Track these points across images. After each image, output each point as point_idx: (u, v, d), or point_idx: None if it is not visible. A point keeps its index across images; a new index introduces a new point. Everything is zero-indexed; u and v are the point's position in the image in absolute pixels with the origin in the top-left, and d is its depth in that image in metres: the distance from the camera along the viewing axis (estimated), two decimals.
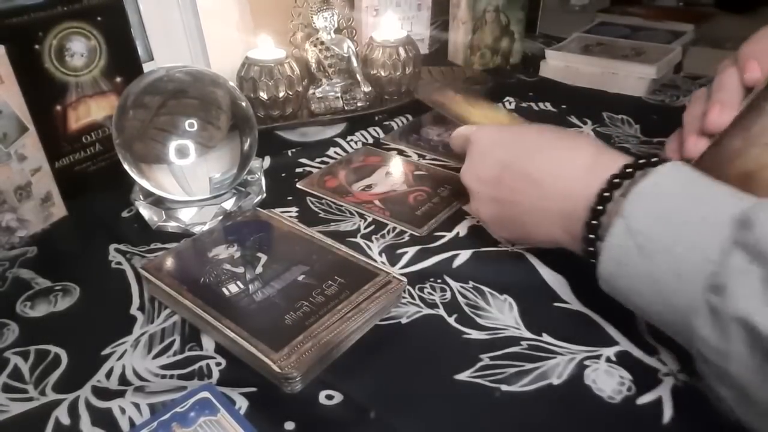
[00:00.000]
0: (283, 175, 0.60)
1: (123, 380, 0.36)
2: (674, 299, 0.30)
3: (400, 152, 0.63)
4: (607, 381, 0.35)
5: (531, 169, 0.39)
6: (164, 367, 0.37)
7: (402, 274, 0.42)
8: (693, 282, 0.28)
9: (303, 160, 0.62)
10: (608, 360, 0.36)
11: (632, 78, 0.75)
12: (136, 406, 0.34)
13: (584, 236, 0.35)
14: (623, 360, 0.36)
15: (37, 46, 0.50)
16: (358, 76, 0.70)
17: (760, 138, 0.34)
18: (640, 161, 0.33)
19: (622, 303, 0.34)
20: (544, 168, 0.38)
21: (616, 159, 0.35)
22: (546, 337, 0.38)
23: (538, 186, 0.38)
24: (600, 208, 0.34)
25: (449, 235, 0.49)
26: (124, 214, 0.54)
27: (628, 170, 0.33)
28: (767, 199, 0.28)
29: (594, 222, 0.34)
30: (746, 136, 0.35)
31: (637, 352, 0.36)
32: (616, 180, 0.33)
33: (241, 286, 0.41)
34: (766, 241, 0.26)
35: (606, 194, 0.34)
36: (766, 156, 0.34)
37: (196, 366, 0.37)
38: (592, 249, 0.34)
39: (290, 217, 0.51)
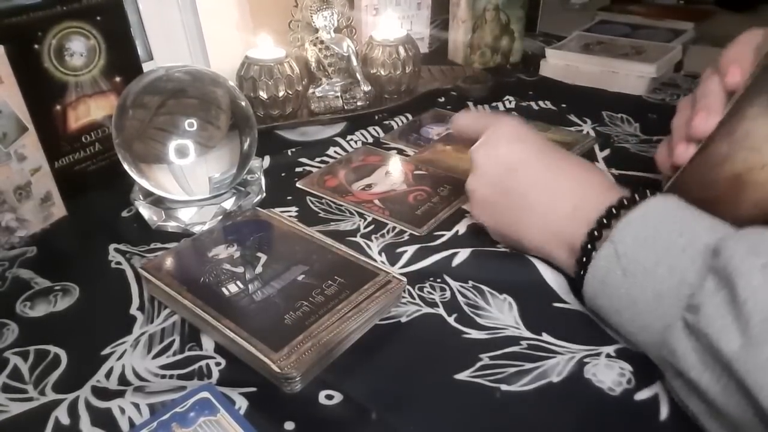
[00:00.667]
0: (282, 174, 0.59)
1: (123, 380, 0.36)
2: (651, 318, 0.32)
3: (400, 152, 0.63)
4: (607, 373, 0.35)
5: (530, 200, 0.41)
6: (164, 367, 0.37)
7: (402, 274, 0.42)
8: (671, 302, 0.31)
9: (303, 160, 0.62)
10: (608, 356, 0.36)
11: (632, 77, 0.75)
12: (136, 406, 0.34)
13: (578, 259, 0.37)
14: (623, 354, 0.36)
15: (36, 46, 0.50)
16: (357, 75, 0.70)
17: (744, 141, 0.35)
18: (636, 196, 0.36)
19: (603, 318, 0.37)
20: (542, 201, 0.41)
21: (610, 195, 0.37)
22: (546, 337, 0.38)
23: (535, 214, 0.41)
24: (596, 233, 0.36)
25: (449, 235, 0.49)
26: (124, 213, 0.54)
27: (622, 205, 0.36)
28: (741, 231, 0.30)
29: (588, 246, 0.36)
30: (731, 140, 0.35)
31: (636, 348, 0.36)
32: (609, 216, 0.36)
33: (241, 285, 0.41)
34: (729, 267, 0.28)
35: (601, 225, 0.36)
36: (753, 159, 0.35)
37: (195, 366, 0.37)
38: (580, 270, 0.37)
39: (290, 216, 0.51)
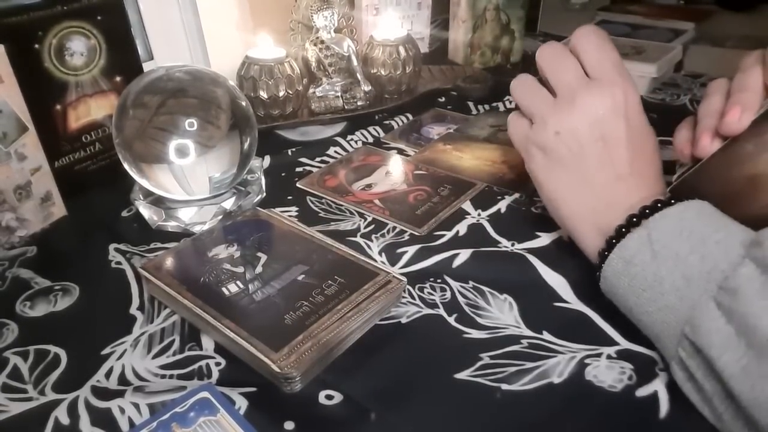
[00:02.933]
0: (283, 174, 0.59)
1: (122, 380, 0.36)
2: (675, 298, 0.32)
3: (400, 151, 0.63)
4: (608, 373, 0.35)
5: (591, 172, 0.39)
6: (164, 366, 0.37)
7: (402, 274, 0.42)
8: (700, 284, 0.31)
9: (303, 160, 0.62)
10: (609, 357, 0.36)
11: (632, 76, 0.75)
12: (136, 406, 0.34)
13: (608, 238, 0.37)
14: (623, 355, 0.36)
15: (36, 46, 0.50)
16: (358, 75, 0.70)
17: None
18: (671, 199, 0.36)
19: (615, 300, 0.37)
20: (601, 179, 0.39)
21: (656, 190, 0.38)
22: (546, 336, 0.38)
23: (588, 186, 0.40)
24: (634, 219, 0.36)
25: (449, 235, 0.49)
26: (124, 213, 0.54)
27: (668, 202, 0.35)
28: None
29: (623, 229, 0.36)
30: (759, 141, 0.35)
31: (637, 348, 0.37)
32: (654, 208, 0.35)
33: (241, 285, 0.41)
34: None
35: (642, 214, 0.36)
36: None
37: (195, 366, 0.37)
38: (606, 250, 0.37)
39: (290, 216, 0.51)
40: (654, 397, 0.33)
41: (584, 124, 0.39)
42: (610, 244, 0.36)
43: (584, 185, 0.39)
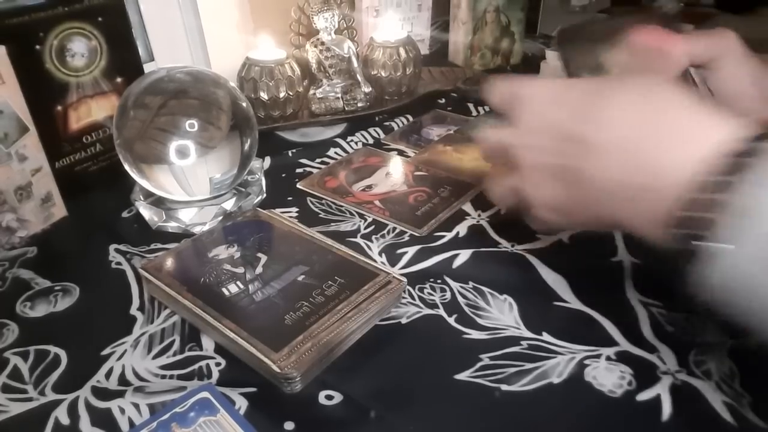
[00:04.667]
0: (283, 175, 0.60)
1: (123, 380, 0.36)
2: None
3: (401, 152, 0.63)
4: (608, 376, 0.35)
5: (608, 135, 0.32)
6: (164, 367, 0.37)
7: (402, 275, 0.42)
8: None
9: (303, 161, 0.62)
10: (608, 359, 0.36)
11: None
12: (136, 406, 0.34)
13: (683, 217, 0.28)
14: (623, 357, 0.36)
15: (38, 47, 0.50)
16: (358, 76, 0.70)
17: None
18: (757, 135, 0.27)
19: (729, 295, 0.27)
20: (625, 134, 0.31)
21: (720, 124, 0.29)
22: (546, 337, 0.38)
23: (616, 157, 0.31)
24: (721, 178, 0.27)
25: (449, 236, 0.49)
26: (124, 214, 0.54)
27: (745, 141, 0.27)
28: None
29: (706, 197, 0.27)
30: None
31: (637, 351, 0.36)
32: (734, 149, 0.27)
33: (241, 286, 0.41)
34: None
35: (716, 167, 0.27)
36: None
37: (195, 366, 0.37)
38: (693, 232, 0.27)
39: (290, 217, 0.51)
40: (656, 400, 0.33)
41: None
42: (697, 223, 0.27)
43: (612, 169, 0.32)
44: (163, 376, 0.36)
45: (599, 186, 0.32)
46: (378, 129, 0.69)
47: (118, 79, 0.56)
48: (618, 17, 0.44)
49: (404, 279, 0.41)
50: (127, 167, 0.49)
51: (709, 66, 0.40)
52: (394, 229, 0.50)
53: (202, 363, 0.37)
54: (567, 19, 1.03)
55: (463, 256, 0.46)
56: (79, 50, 0.52)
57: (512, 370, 0.36)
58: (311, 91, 0.70)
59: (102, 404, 0.34)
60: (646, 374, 0.35)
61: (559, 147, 0.34)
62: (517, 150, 0.37)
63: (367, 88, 0.71)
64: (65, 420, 0.33)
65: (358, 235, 0.49)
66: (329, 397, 0.34)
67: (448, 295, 0.42)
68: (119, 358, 0.38)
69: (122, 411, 0.34)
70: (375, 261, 0.44)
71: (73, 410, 0.34)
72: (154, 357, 0.38)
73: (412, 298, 0.42)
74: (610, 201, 0.32)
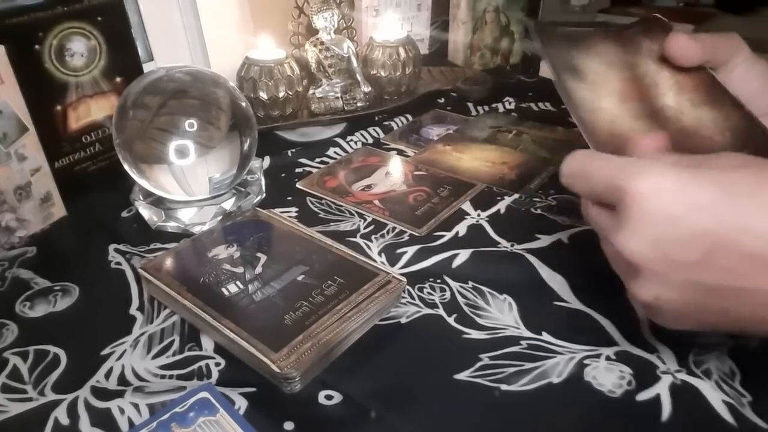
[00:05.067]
0: (282, 175, 0.59)
1: (122, 380, 0.36)
2: None
3: (400, 152, 0.63)
4: (607, 376, 0.35)
5: (758, 241, 0.27)
6: (163, 367, 0.37)
7: (401, 274, 0.42)
8: None
9: (303, 160, 0.62)
10: (608, 358, 0.36)
11: None
12: (136, 406, 0.34)
13: None
14: (623, 357, 0.36)
15: (37, 46, 0.50)
16: (358, 76, 0.70)
17: None
18: None
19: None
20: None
21: None
22: (546, 337, 0.38)
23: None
24: None
25: (449, 235, 0.49)
26: (124, 214, 0.54)
27: None
28: None
29: None
30: None
31: (636, 351, 0.36)
32: None
33: (241, 286, 0.41)
34: None
35: None
36: None
37: (195, 366, 0.37)
38: None
39: (290, 217, 0.51)
40: (656, 399, 0.33)
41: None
42: None
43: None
44: (163, 376, 0.36)
45: (744, 295, 0.28)
46: (377, 129, 0.69)
47: (118, 79, 0.56)
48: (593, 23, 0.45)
49: (404, 279, 0.41)
50: (126, 167, 0.49)
51: (721, 68, 0.41)
52: (394, 228, 0.50)
53: (202, 363, 0.37)
54: (567, 19, 1.03)
55: (463, 255, 0.46)
56: (79, 50, 0.52)
57: (512, 369, 0.36)
58: (311, 91, 0.70)
59: (101, 404, 0.34)
60: (646, 374, 0.35)
61: (703, 261, 0.28)
62: (645, 259, 0.29)
63: (366, 88, 0.71)
64: (65, 420, 0.33)
65: (358, 235, 0.49)
66: (329, 397, 0.34)
67: (447, 294, 0.42)
68: (119, 358, 0.38)
69: (122, 411, 0.34)
70: (375, 261, 0.44)
71: (72, 410, 0.34)
72: (154, 357, 0.38)
73: (412, 297, 0.42)
74: (754, 309, 0.29)
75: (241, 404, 0.34)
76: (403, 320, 0.40)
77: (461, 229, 0.50)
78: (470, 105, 0.74)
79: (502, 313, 0.40)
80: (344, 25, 0.73)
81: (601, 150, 0.35)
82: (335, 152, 0.64)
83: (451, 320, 0.40)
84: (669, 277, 0.29)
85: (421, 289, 0.43)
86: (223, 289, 0.40)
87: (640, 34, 0.44)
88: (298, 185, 0.57)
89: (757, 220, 0.27)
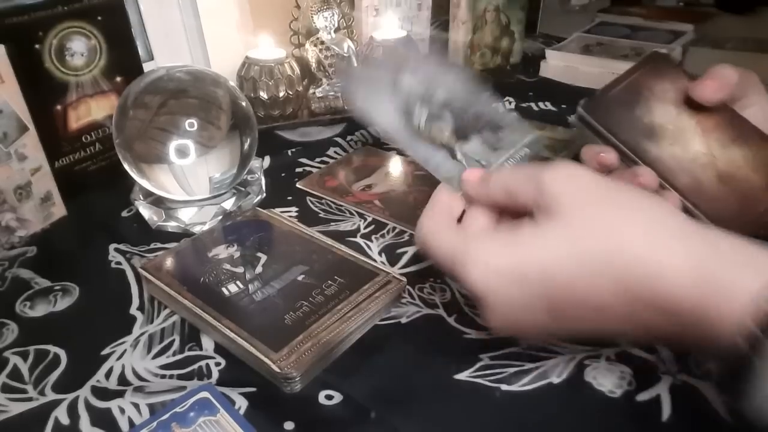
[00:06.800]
0: (283, 174, 0.59)
1: (122, 380, 0.36)
2: None
3: (400, 152, 0.63)
4: (608, 376, 0.35)
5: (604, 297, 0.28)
6: (164, 367, 0.37)
7: (402, 274, 0.42)
8: None
9: (303, 160, 0.62)
10: (608, 359, 0.36)
11: None
12: (136, 406, 0.34)
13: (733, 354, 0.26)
14: (623, 357, 0.36)
15: (37, 46, 0.50)
16: None
17: None
18: None
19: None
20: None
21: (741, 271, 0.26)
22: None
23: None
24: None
25: None
26: (124, 213, 0.54)
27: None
28: None
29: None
30: None
31: (636, 351, 0.36)
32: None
33: (241, 285, 0.41)
34: None
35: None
36: None
37: (195, 366, 0.37)
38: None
39: (290, 216, 0.51)
40: (656, 399, 0.33)
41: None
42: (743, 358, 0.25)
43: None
44: (163, 376, 0.36)
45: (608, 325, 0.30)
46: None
47: (118, 79, 0.56)
48: (626, 72, 0.45)
49: (404, 278, 0.41)
50: (126, 167, 0.49)
51: (736, 104, 0.41)
52: (394, 228, 0.50)
53: (202, 363, 0.37)
54: (567, 19, 1.03)
55: None
56: (79, 49, 0.52)
57: (512, 370, 0.36)
58: (311, 91, 0.70)
59: (102, 404, 0.34)
60: (646, 374, 0.35)
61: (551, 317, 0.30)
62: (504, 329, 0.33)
63: None
64: (65, 420, 0.33)
65: (358, 235, 0.49)
66: (329, 397, 0.34)
67: (447, 294, 0.42)
68: (119, 358, 0.38)
69: (122, 411, 0.34)
70: (375, 260, 0.44)
71: (72, 410, 0.34)
72: (154, 357, 0.38)
73: (412, 297, 0.42)
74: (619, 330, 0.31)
75: (242, 404, 0.34)
76: (403, 320, 0.40)
77: None
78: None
79: None
80: (344, 24, 0.73)
81: (716, 208, 0.37)
82: (335, 152, 0.64)
83: (451, 320, 0.40)
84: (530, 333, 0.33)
85: (421, 289, 0.43)
86: (224, 289, 0.40)
87: (650, 76, 0.43)
88: (298, 185, 0.57)
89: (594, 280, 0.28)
